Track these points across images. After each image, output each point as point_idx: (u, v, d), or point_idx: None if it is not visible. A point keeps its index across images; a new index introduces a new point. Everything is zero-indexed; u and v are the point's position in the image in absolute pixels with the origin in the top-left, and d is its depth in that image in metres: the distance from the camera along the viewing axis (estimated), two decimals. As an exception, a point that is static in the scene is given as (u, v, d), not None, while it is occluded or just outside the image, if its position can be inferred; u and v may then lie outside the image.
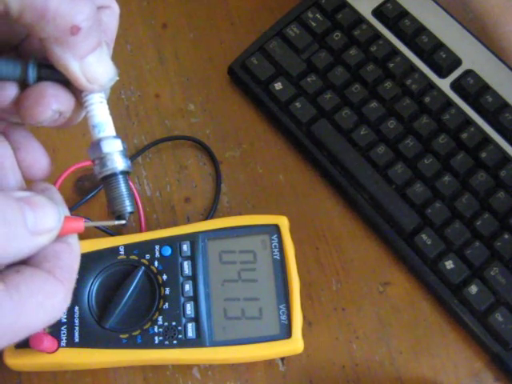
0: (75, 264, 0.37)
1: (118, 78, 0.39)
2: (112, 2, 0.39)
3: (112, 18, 0.39)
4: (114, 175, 0.39)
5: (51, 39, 0.35)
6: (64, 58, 0.36)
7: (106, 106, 0.40)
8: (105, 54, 0.38)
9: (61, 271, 0.35)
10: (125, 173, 0.40)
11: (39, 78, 0.38)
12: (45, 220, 0.35)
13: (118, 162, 0.39)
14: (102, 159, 0.39)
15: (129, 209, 0.40)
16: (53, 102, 0.37)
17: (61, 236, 0.37)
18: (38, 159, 0.41)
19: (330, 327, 0.59)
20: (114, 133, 0.40)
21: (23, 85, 0.38)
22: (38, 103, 0.37)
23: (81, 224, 0.38)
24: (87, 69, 0.37)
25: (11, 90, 0.38)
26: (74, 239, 0.38)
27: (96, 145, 0.39)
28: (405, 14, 0.67)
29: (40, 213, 0.35)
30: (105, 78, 0.38)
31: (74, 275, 0.37)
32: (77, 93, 0.39)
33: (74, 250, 0.38)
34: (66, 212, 0.38)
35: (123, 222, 0.41)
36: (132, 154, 0.65)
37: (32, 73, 0.37)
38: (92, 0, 0.35)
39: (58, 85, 0.38)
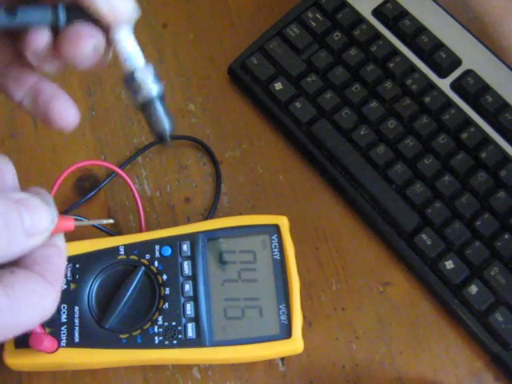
0: (63, 267, 0.39)
1: (139, 10, 0.41)
2: None
3: None
4: (150, 101, 0.42)
5: None
6: None
7: (134, 38, 0.42)
8: None
9: (51, 274, 0.37)
10: (160, 97, 0.42)
11: (68, 21, 0.40)
12: (40, 221, 0.37)
13: (153, 89, 0.41)
14: (137, 88, 0.41)
15: (169, 128, 0.42)
16: (91, 39, 0.40)
17: (52, 234, 0.38)
18: (68, 108, 0.43)
19: (329, 327, 0.59)
20: (144, 62, 0.42)
21: (53, 29, 0.40)
22: (77, 40, 0.39)
23: (71, 223, 0.41)
24: (113, 5, 0.39)
25: (45, 35, 0.40)
26: (61, 241, 0.40)
27: (129, 76, 0.41)
28: (405, 13, 0.67)
29: (35, 214, 0.36)
30: (129, 10, 0.40)
31: (62, 277, 0.39)
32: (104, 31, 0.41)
33: (63, 253, 0.39)
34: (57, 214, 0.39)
35: (111, 221, 0.45)
36: (132, 154, 0.65)
37: (62, 16, 0.40)
38: None
39: (90, 23, 0.40)
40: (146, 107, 0.42)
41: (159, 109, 0.42)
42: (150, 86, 0.41)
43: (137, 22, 0.72)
